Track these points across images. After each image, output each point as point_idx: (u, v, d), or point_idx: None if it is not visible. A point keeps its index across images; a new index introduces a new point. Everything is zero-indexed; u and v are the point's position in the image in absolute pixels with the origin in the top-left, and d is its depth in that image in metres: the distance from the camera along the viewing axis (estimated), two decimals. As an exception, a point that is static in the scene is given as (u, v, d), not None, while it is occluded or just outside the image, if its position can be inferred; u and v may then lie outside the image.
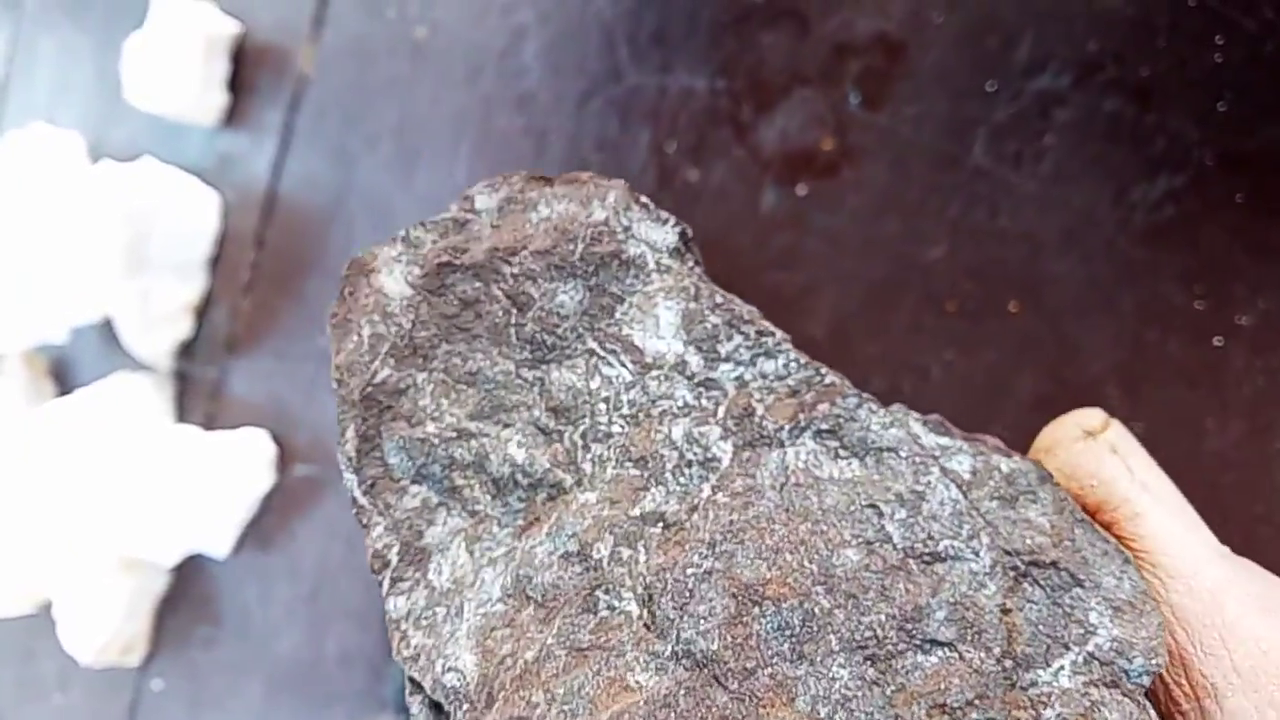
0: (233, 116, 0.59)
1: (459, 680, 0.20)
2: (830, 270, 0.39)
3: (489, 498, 0.21)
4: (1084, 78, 0.34)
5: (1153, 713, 0.19)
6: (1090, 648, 0.18)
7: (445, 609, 0.20)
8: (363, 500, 0.21)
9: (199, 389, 0.60)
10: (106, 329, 0.62)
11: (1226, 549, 0.20)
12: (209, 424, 0.58)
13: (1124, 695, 0.18)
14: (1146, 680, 0.18)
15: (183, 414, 0.60)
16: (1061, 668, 0.18)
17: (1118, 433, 0.21)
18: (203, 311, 0.59)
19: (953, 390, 0.36)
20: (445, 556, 0.21)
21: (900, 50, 0.38)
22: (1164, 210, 0.33)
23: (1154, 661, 0.18)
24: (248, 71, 0.59)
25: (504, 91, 0.47)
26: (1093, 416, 0.21)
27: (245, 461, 0.55)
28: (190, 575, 0.59)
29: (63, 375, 0.67)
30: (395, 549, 0.21)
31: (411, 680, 0.21)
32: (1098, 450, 0.20)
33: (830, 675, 0.18)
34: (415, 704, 0.20)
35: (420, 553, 0.21)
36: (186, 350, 0.60)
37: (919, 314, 0.37)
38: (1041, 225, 0.35)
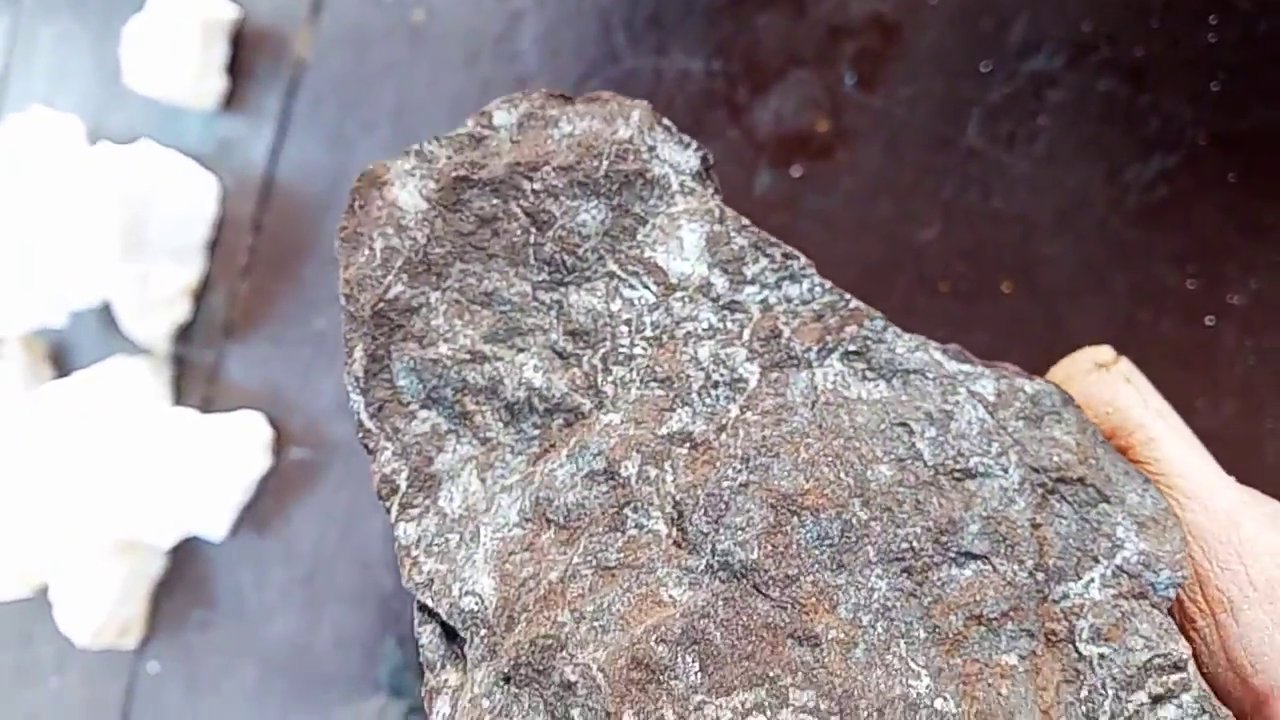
0: (231, 101, 0.59)
1: (477, 604, 0.19)
2: (824, 252, 0.39)
3: (501, 425, 0.20)
4: (1078, 58, 0.34)
5: (1177, 630, 0.19)
6: (1118, 561, 0.19)
7: (459, 535, 0.20)
8: (369, 424, 0.20)
9: (196, 372, 0.60)
10: (105, 313, 0.62)
11: (1233, 478, 0.20)
12: (206, 407, 0.58)
13: (1153, 606, 0.18)
14: (1172, 593, 0.19)
15: (180, 397, 0.60)
16: (1092, 580, 0.19)
17: (1129, 366, 0.21)
18: (200, 295, 0.60)
19: (945, 371, 0.36)
20: (456, 484, 0.20)
21: (895, 31, 0.38)
22: (1157, 190, 0.33)
23: (1179, 574, 0.18)
24: (246, 56, 0.59)
25: (501, 75, 0.47)
26: (1104, 351, 0.22)
27: (241, 444, 0.55)
28: (186, 558, 0.59)
29: (61, 359, 0.67)
30: (404, 475, 0.20)
31: (422, 609, 0.20)
32: (1112, 379, 0.20)
33: (869, 585, 0.18)
34: (426, 633, 0.20)
35: (430, 479, 0.20)
36: (184, 334, 0.60)
37: (912, 295, 0.37)
38: (1034, 206, 0.35)
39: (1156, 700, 0.19)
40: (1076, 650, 0.18)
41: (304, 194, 0.55)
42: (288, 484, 0.55)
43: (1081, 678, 0.18)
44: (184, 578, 0.59)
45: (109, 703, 0.62)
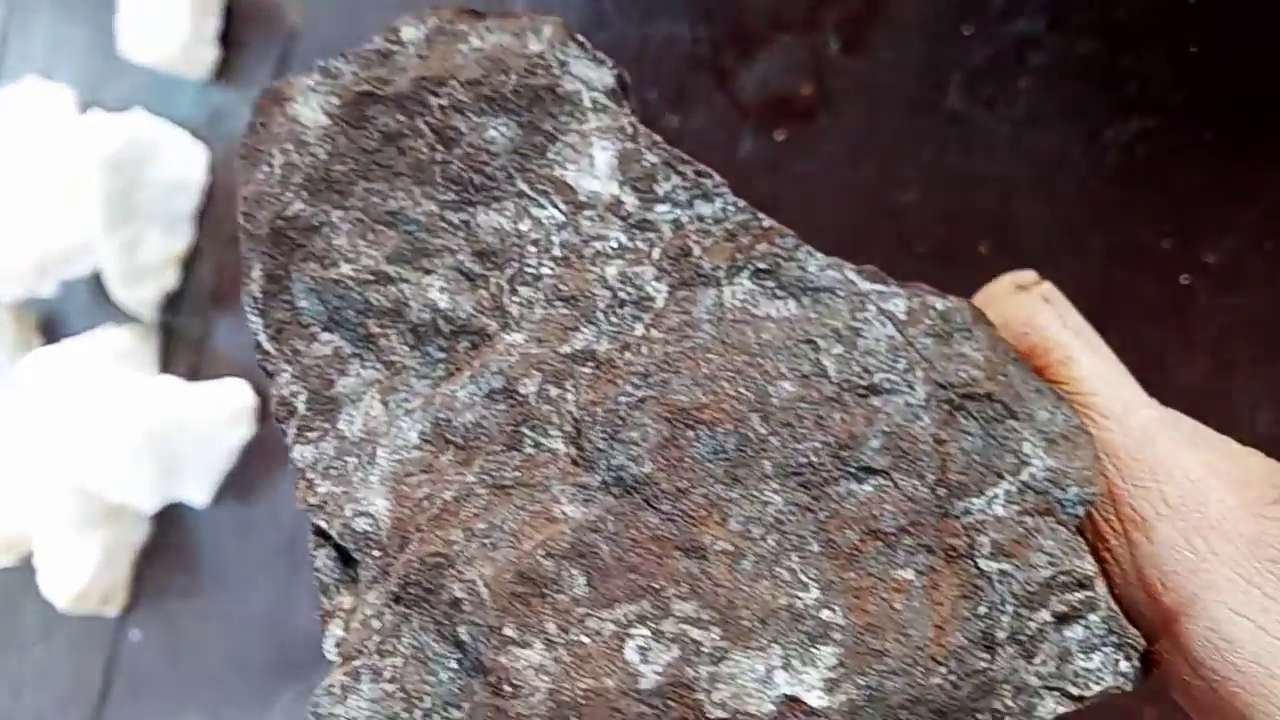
0: (224, 71, 0.59)
1: (370, 525, 0.19)
2: (806, 216, 0.39)
3: (407, 348, 0.20)
4: (1059, 20, 0.34)
5: (1085, 548, 0.19)
6: (1024, 477, 0.18)
7: (357, 458, 0.20)
8: (269, 346, 0.20)
9: (184, 341, 0.60)
10: (96, 283, 0.62)
11: (1154, 400, 0.20)
12: (192, 375, 0.58)
13: (1058, 523, 0.18)
14: (1080, 510, 0.18)
15: (167, 365, 0.60)
16: (995, 496, 0.18)
17: (1050, 288, 0.21)
18: (189, 264, 0.60)
19: (923, 332, 0.37)
20: (358, 407, 0.20)
21: (879, -4, 0.38)
22: (1135, 151, 0.33)
23: (1088, 491, 0.18)
24: (239, 26, 0.59)
25: (490, 41, 0.48)
26: (1026, 274, 0.22)
27: (226, 412, 0.55)
28: (170, 526, 0.59)
29: (51, 329, 0.67)
30: (303, 398, 0.20)
31: (318, 533, 0.20)
32: (1031, 300, 0.20)
33: (764, 499, 0.18)
34: (321, 557, 0.20)
35: (330, 402, 0.20)
36: (173, 302, 0.60)
37: (891, 257, 0.37)
38: (1014, 168, 0.35)
39: (1061, 620, 0.19)
40: (976, 566, 0.18)
41: (294, 163, 0.56)
42: (271, 452, 0.55)
43: (980, 594, 0.18)
44: (167, 545, 0.60)
45: (92, 670, 0.62)
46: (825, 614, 0.18)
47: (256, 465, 0.56)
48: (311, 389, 0.20)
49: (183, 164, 0.58)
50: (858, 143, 0.38)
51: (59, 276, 0.63)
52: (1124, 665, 0.19)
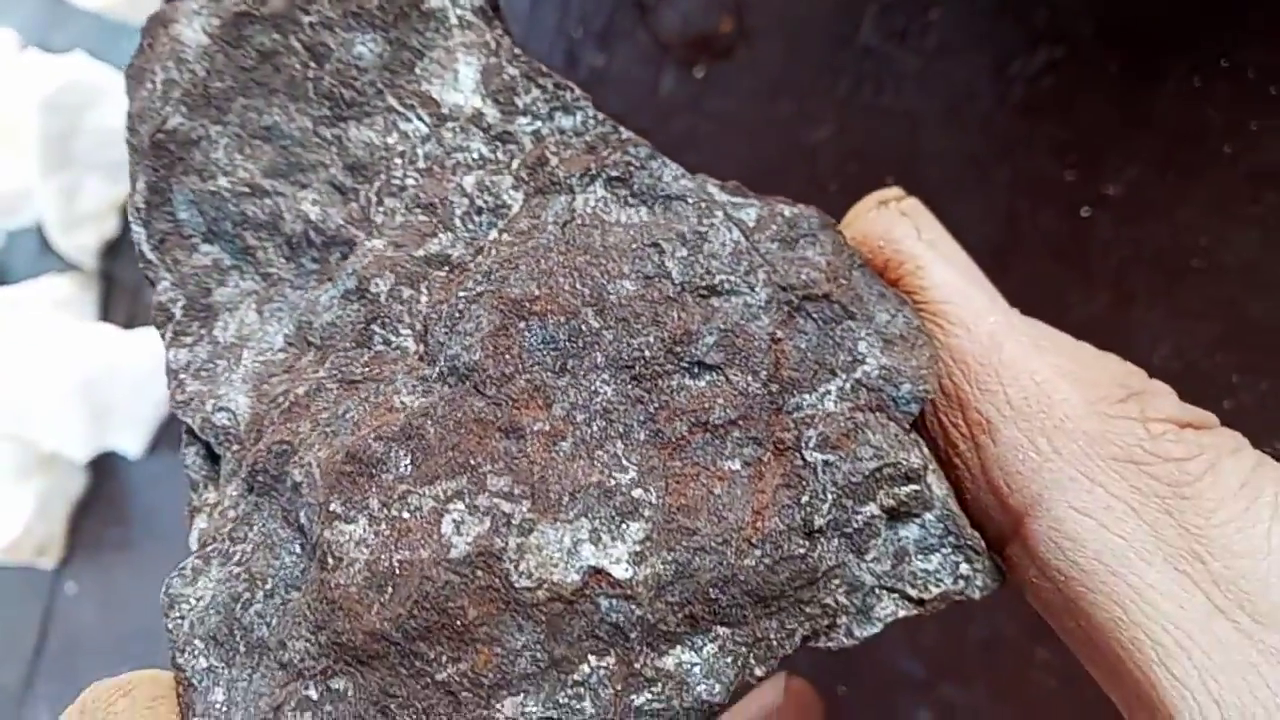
0: (168, 18, 0.59)
1: (229, 420, 0.19)
2: (723, 153, 0.39)
3: (283, 260, 0.20)
4: (971, -49, 0.34)
5: (925, 449, 0.19)
6: (858, 375, 0.18)
7: (227, 361, 0.20)
8: (150, 255, 0.20)
9: (123, 289, 0.59)
10: (42, 233, 0.62)
11: (1015, 310, 0.19)
12: (130, 323, 0.58)
13: (889, 419, 0.18)
14: (915, 408, 0.18)
15: (106, 314, 0.60)
16: (827, 393, 0.18)
17: (912, 203, 0.21)
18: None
19: (831, 268, 0.36)
20: (233, 316, 0.20)
21: (798, -71, 0.37)
22: (1042, 82, 0.32)
23: (921, 388, 0.18)
24: (185, -27, 0.58)
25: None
26: (890, 191, 0.22)
27: (159, 361, 0.54)
28: (105, 477, 0.59)
29: (-3, 279, 0.67)
30: (180, 304, 0.20)
31: (188, 432, 0.20)
32: (888, 214, 0.20)
33: (592, 389, 0.18)
34: (190, 454, 0.20)
35: (206, 310, 0.20)
36: (112, 250, 0.60)
37: (804, 196, 0.37)
38: (923, 101, 0.34)
39: (893, 516, 0.18)
40: (801, 457, 0.18)
41: (233, 109, 0.55)
42: (204, 399, 0.54)
43: (802, 483, 0.18)
44: (102, 497, 0.59)
45: (28, 623, 0.62)
46: (638, 493, 0.18)
47: (189, 413, 0.55)
48: (189, 296, 0.20)
49: (125, 110, 0.57)
50: (775, 79, 0.38)
51: (3, 225, 0.63)
52: (964, 568, 0.19)
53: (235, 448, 0.19)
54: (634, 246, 0.19)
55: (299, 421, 0.19)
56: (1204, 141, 0.30)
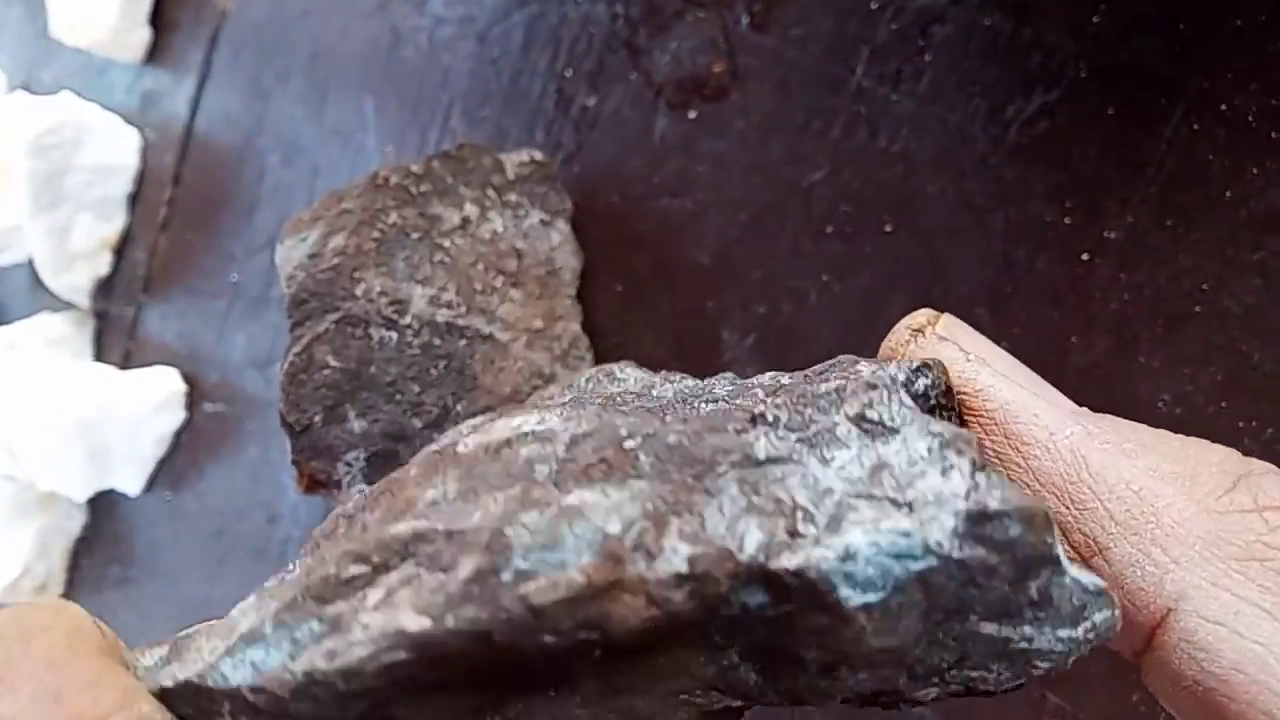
0: (155, 53, 0.58)
1: None
2: (717, 195, 0.39)
3: None
4: (963, -8, 0.33)
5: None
6: None
7: None
8: None
9: (117, 327, 0.59)
10: (34, 270, 0.61)
11: (1084, 409, 0.19)
12: (125, 362, 0.57)
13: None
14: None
15: (101, 353, 0.59)
16: None
17: (946, 322, 0.20)
18: (121, 249, 0.59)
19: (829, 313, 0.36)
20: None
21: (788, -31, 0.37)
22: (1037, 125, 0.32)
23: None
24: (171, 8, 0.58)
25: (411, 21, 0.47)
26: (919, 316, 0.21)
27: (156, 400, 0.54)
28: (104, 515, 0.59)
29: (-10, 316, 0.66)
30: None
31: None
32: (928, 344, 0.19)
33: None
34: None
35: None
36: (105, 288, 0.59)
37: (799, 238, 0.37)
38: (917, 144, 0.34)
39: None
40: None
41: (222, 145, 0.55)
42: (201, 438, 0.54)
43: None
44: (102, 534, 0.59)
45: (30, 662, 0.62)
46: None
47: (187, 452, 0.55)
48: None
49: (113, 148, 0.57)
50: (768, 121, 0.37)
51: (-5, 263, 0.62)
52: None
53: None
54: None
55: None
56: (1204, 187, 0.30)
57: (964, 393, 0.19)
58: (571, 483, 0.17)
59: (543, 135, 0.43)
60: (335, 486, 0.36)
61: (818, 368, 0.19)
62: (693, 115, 0.39)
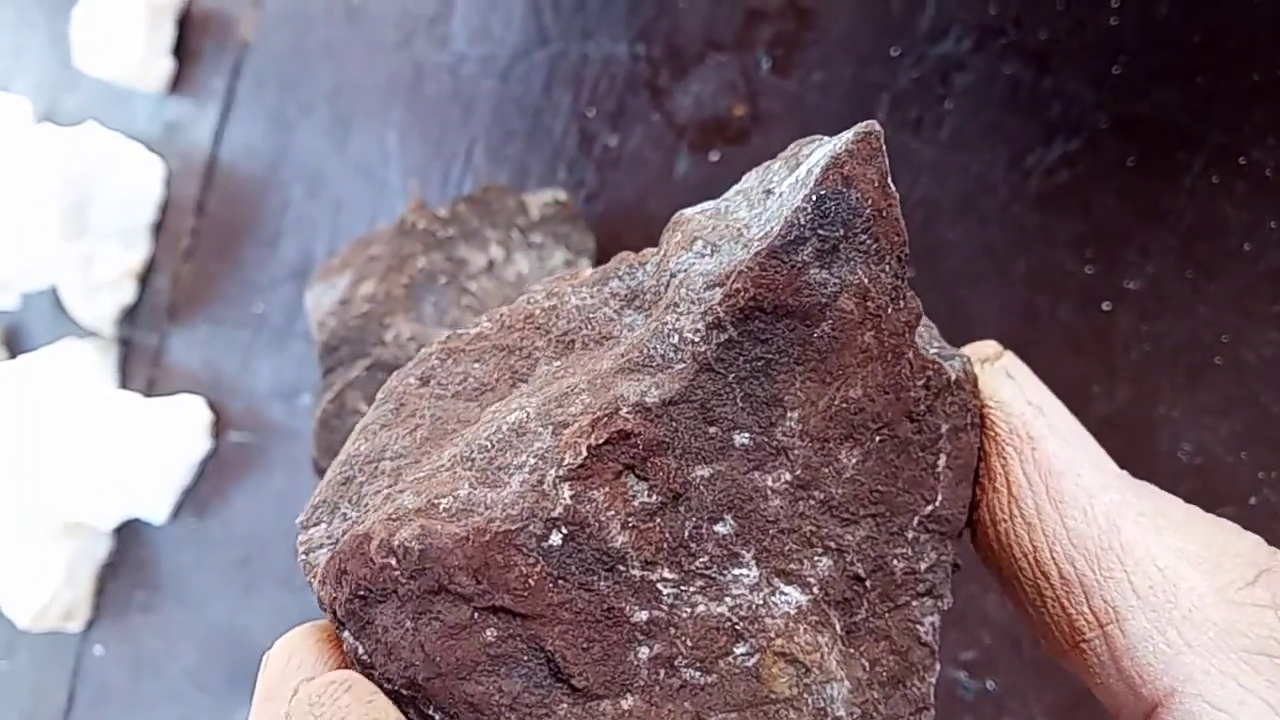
0: (178, 83, 0.59)
1: None
2: (739, 236, 0.39)
3: None
4: (984, 42, 0.34)
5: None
6: None
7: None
8: None
9: (141, 355, 0.60)
10: (58, 296, 0.62)
11: (1125, 472, 0.19)
12: (150, 390, 0.58)
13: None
14: None
15: (125, 380, 0.60)
16: None
17: (1012, 360, 0.20)
18: (145, 278, 0.59)
19: (851, 356, 0.36)
20: None
21: (809, 16, 0.37)
22: (1058, 175, 0.33)
23: None
24: (193, 38, 0.59)
25: (433, 57, 0.47)
26: (988, 346, 0.21)
27: (182, 428, 0.55)
28: (130, 542, 0.59)
29: (14, 341, 0.67)
30: None
31: None
32: (993, 374, 0.20)
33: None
34: None
35: None
36: (129, 316, 0.60)
37: (822, 280, 0.37)
38: (938, 191, 0.35)
39: None
40: None
41: (246, 175, 0.55)
42: (226, 467, 0.55)
43: None
44: (128, 561, 0.60)
45: (55, 686, 0.62)
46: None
47: (212, 481, 0.56)
48: None
49: (137, 177, 0.58)
50: (789, 164, 0.38)
51: (20, 289, 0.63)
52: None
53: None
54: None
55: None
56: (1223, 238, 0.30)
57: (1015, 437, 0.19)
58: None
59: (565, 173, 0.43)
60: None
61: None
62: (714, 158, 0.40)
